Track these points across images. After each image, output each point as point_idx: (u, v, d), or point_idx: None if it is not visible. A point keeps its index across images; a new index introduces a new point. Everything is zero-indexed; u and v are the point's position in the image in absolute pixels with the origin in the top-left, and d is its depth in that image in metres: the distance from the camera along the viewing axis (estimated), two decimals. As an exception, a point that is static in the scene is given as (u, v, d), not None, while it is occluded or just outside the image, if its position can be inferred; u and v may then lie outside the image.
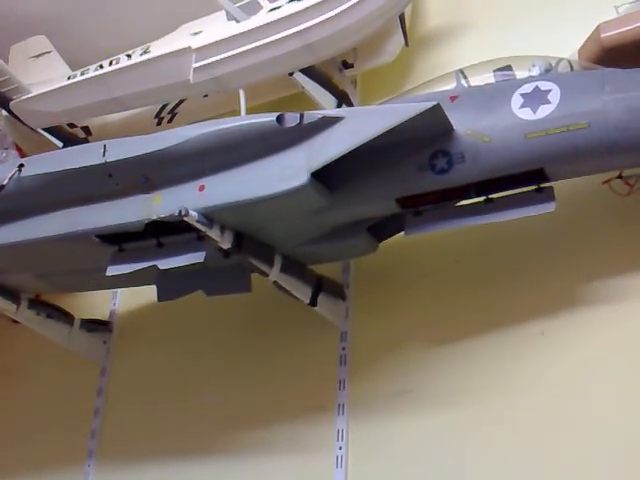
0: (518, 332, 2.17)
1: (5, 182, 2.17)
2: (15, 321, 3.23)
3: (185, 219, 1.97)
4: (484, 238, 2.29)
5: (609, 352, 2.01)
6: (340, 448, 2.34)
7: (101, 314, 3.15)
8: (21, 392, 3.27)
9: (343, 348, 2.47)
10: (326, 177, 1.97)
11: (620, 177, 2.01)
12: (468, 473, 2.16)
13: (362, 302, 2.51)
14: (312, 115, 1.92)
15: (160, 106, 2.69)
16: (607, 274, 2.05)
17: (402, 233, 2.35)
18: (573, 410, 2.03)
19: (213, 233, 2.04)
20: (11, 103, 2.64)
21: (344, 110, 2.00)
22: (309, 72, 2.45)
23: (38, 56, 3.03)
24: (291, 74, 2.46)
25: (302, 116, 1.92)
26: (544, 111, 1.85)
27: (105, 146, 2.08)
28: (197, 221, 1.98)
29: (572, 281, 2.11)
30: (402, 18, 2.45)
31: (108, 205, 2.14)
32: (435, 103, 1.85)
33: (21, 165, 2.19)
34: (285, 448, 2.47)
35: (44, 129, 2.71)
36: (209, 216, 2.01)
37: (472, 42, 2.61)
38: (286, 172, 1.92)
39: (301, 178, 1.89)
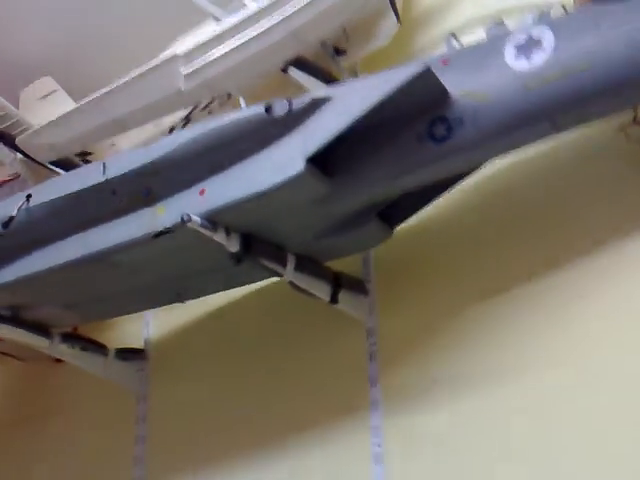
0: (552, 299, 2.07)
1: (14, 213, 2.18)
2: (58, 360, 3.32)
3: (189, 225, 1.95)
4: (497, 210, 2.23)
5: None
6: (378, 445, 2.28)
7: (136, 343, 3.15)
8: (65, 427, 3.28)
9: (372, 344, 2.40)
10: (324, 163, 1.92)
11: (635, 121, 1.91)
12: (513, 455, 2.05)
13: (385, 296, 2.44)
14: (301, 100, 1.88)
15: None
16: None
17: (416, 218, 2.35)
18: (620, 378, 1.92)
19: (219, 237, 2.01)
20: (17, 139, 2.67)
21: (332, 89, 1.94)
22: (303, 66, 2.42)
23: (45, 96, 3.08)
24: (285, 70, 2.43)
25: (291, 102, 1.88)
26: (540, 58, 1.77)
27: (104, 164, 2.08)
28: (200, 225, 1.96)
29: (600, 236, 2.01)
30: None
31: (116, 223, 2.13)
32: (424, 66, 1.79)
33: (29, 195, 2.21)
34: (322, 448, 2.42)
35: (56, 165, 2.73)
36: (212, 219, 1.98)
37: (470, 8, 2.48)
38: (282, 162, 1.88)
39: (297, 166, 1.85)
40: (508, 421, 2.07)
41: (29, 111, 3.04)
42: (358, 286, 2.40)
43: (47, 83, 3.17)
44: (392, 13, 2.40)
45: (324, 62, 2.51)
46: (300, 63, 2.45)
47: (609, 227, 2.00)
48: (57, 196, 2.16)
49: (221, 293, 2.79)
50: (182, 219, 1.93)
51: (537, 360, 2.07)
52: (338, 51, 2.49)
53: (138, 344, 3.14)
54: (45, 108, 3.01)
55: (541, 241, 2.14)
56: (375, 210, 2.11)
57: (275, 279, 2.47)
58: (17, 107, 3.13)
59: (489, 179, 2.25)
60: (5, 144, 2.77)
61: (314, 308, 2.46)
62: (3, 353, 3.36)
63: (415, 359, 2.31)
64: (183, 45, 2.34)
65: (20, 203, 2.19)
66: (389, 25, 2.49)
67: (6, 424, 3.53)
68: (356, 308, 2.39)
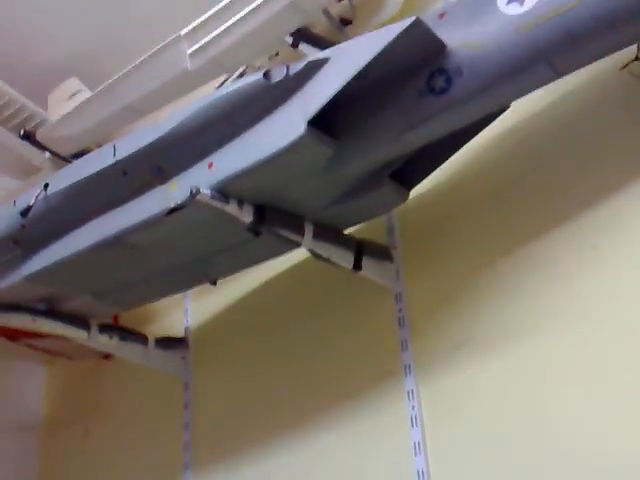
0: (569, 249, 2.01)
1: (32, 202, 2.23)
2: (106, 357, 3.40)
3: (198, 198, 1.96)
4: (518, 165, 2.19)
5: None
6: (413, 408, 2.25)
7: (176, 333, 3.19)
8: (116, 422, 3.36)
9: (400, 310, 2.38)
10: (328, 126, 1.91)
11: (638, 59, 1.85)
12: (548, 412, 2.00)
13: (411, 261, 2.41)
14: (298, 64, 1.87)
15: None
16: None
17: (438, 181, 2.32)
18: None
19: (231, 208, 2.01)
20: (37, 134, 2.74)
21: (329, 51, 1.92)
22: (312, 40, 2.42)
23: (71, 96, 3.15)
24: (296, 46, 2.44)
25: (288, 67, 1.87)
26: (531, 2, 1.73)
27: (114, 146, 2.11)
28: (210, 198, 1.97)
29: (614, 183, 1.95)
30: (393, -37, 2.37)
31: (132, 204, 2.15)
32: (414, 18, 1.77)
33: (46, 185, 2.26)
34: (358, 417, 2.40)
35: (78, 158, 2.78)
36: (222, 191, 1.98)
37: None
38: (284, 127, 1.87)
39: (299, 129, 1.84)
40: (546, 371, 2.02)
41: (57, 112, 3.11)
42: (383, 252, 2.37)
43: (73, 84, 3.24)
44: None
45: (334, 36, 2.50)
46: (309, 37, 2.46)
47: (623, 171, 1.94)
48: (72, 182, 2.19)
49: (253, 276, 2.84)
50: (191, 192, 1.94)
51: (568, 312, 2.01)
52: (344, 22, 2.48)
53: (180, 333, 3.19)
54: (71, 107, 3.09)
55: (561, 193, 2.08)
56: (387, 171, 2.08)
57: (304, 256, 2.49)
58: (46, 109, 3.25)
59: (504, 134, 2.22)
60: (32, 144, 2.84)
61: (343, 280, 2.46)
62: (51, 352, 3.46)
63: (444, 322, 2.27)
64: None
65: (38, 192, 2.24)
66: (397, -6, 2.47)
67: (58, 424, 3.63)
68: (382, 275, 2.37)
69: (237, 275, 2.72)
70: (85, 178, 2.17)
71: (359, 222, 2.32)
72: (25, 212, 2.24)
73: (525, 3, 1.73)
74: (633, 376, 1.83)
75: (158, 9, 3.30)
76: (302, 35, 2.45)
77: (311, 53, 2.41)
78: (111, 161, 2.10)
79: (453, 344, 2.22)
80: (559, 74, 1.82)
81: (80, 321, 2.76)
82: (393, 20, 2.48)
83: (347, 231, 2.36)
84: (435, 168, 2.21)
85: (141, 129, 2.13)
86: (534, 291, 2.09)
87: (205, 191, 1.96)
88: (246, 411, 2.84)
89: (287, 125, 1.87)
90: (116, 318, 3.23)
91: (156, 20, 3.25)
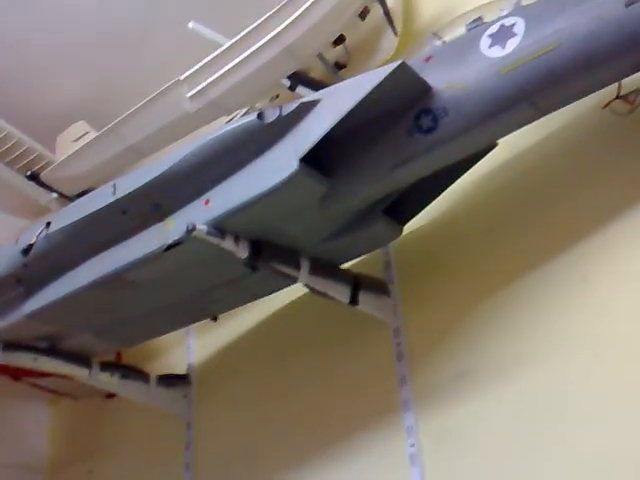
0: (559, 281, 2.04)
1: (33, 240, 2.29)
2: (109, 396, 3.42)
3: (195, 234, 2.01)
4: (498, 195, 2.24)
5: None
6: (412, 445, 2.25)
7: (179, 370, 3.21)
8: (118, 460, 3.37)
9: (398, 344, 2.40)
10: (321, 164, 1.96)
11: (619, 97, 1.91)
12: (546, 442, 1.99)
13: (409, 295, 2.44)
14: (290, 105, 1.94)
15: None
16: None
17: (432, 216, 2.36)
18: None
19: (227, 244, 2.06)
20: (42, 174, 2.81)
21: (320, 92, 1.99)
22: (309, 83, 2.49)
23: (78, 139, 3.23)
24: (293, 89, 2.51)
25: (281, 108, 1.94)
26: (512, 44, 1.80)
27: (114, 185, 2.17)
28: (207, 234, 2.02)
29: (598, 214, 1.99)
30: (386, 10, 2.45)
31: (130, 241, 2.21)
32: (400, 62, 1.84)
33: (48, 223, 2.32)
34: (358, 454, 2.40)
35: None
36: (218, 227, 2.03)
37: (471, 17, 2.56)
38: (277, 165, 1.93)
39: (292, 166, 1.90)
40: (543, 401, 2.02)
41: (64, 154, 3.19)
42: (380, 287, 2.41)
43: (81, 127, 3.33)
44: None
45: (330, 79, 2.58)
46: (306, 80, 2.53)
47: (608, 205, 1.99)
48: (72, 221, 2.25)
49: (254, 311, 2.88)
50: (187, 229, 1.99)
51: (559, 343, 2.02)
52: (339, 66, 2.56)
53: (182, 370, 3.21)
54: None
55: (550, 227, 2.12)
56: (380, 207, 2.13)
57: (303, 291, 2.52)
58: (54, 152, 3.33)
59: (494, 170, 2.27)
60: (39, 184, 2.91)
61: (342, 314, 2.48)
62: (55, 392, 3.49)
63: (442, 355, 2.29)
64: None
65: (39, 231, 2.30)
66: (389, 39, 2.55)
67: (62, 465, 3.65)
68: (379, 309, 2.39)
69: (238, 311, 2.77)
70: (86, 216, 2.23)
71: (354, 257, 2.36)
72: (26, 251, 2.30)
73: (507, 46, 1.80)
74: (631, 403, 1.83)
75: (165, 54, 3.40)
76: (299, 78, 2.52)
77: (308, 95, 2.48)
78: (111, 200, 2.16)
79: (452, 378, 2.23)
80: (541, 113, 1.88)
81: (81, 359, 2.79)
82: (386, 63, 2.56)
83: (345, 266, 2.40)
84: (427, 204, 2.26)
85: (140, 168, 2.19)
86: (530, 322, 2.11)
87: (201, 227, 2.01)
88: (246, 450, 2.84)
89: (280, 163, 1.93)
90: (119, 356, 3.26)
91: (161, 65, 3.35)
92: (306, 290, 2.36)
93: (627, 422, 1.82)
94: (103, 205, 2.18)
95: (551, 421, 1.98)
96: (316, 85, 2.52)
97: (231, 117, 2.76)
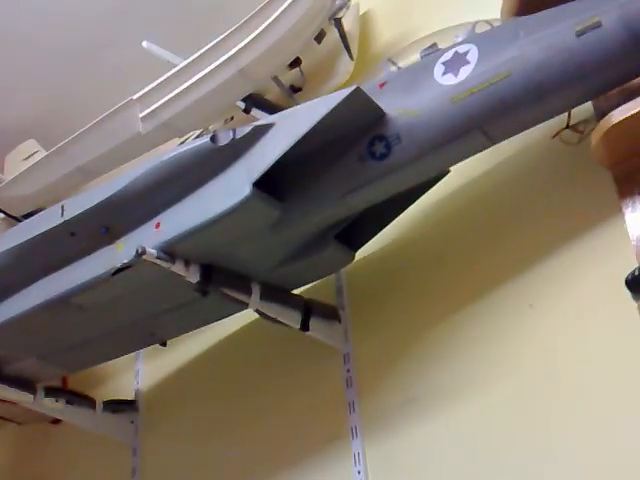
0: (506, 309, 2.07)
1: (-23, 262, 2.23)
2: (55, 422, 3.33)
3: (144, 258, 1.98)
4: (455, 226, 2.27)
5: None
6: (359, 472, 2.23)
7: (127, 395, 3.15)
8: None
9: (348, 370, 2.38)
10: (275, 188, 1.96)
11: (568, 126, 1.94)
12: (497, 468, 2.00)
13: (360, 322, 2.43)
14: (244, 128, 1.93)
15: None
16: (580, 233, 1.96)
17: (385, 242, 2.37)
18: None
19: (177, 268, 2.03)
20: (-11, 194, 2.75)
21: (274, 116, 1.99)
22: (264, 105, 2.49)
23: (27, 158, 3.17)
24: (248, 111, 2.50)
25: (235, 131, 1.93)
26: (465, 72, 1.82)
27: (63, 206, 2.13)
28: (157, 257, 1.99)
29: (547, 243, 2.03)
30: (342, 34, 2.47)
31: (78, 264, 2.16)
32: (354, 87, 1.85)
33: (-7, 246, 2.26)
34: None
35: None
36: (169, 251, 2.00)
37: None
38: (230, 188, 1.92)
39: (244, 190, 1.89)
40: (488, 428, 2.03)
41: (13, 173, 3.12)
42: (331, 313, 2.39)
43: (30, 145, 3.28)
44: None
45: (285, 102, 2.58)
46: (261, 103, 2.53)
47: (557, 233, 2.02)
48: (18, 242, 2.20)
49: (204, 337, 2.84)
50: (137, 252, 1.96)
51: (507, 371, 2.04)
52: (295, 89, 2.57)
53: (130, 396, 3.15)
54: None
55: (499, 254, 2.15)
56: (332, 233, 2.12)
57: (254, 316, 2.49)
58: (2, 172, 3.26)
59: (445, 198, 2.29)
60: (-17, 204, 2.84)
61: (292, 340, 2.46)
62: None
63: (391, 382, 2.28)
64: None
65: None
66: (345, 63, 2.57)
67: (4, 491, 3.54)
68: (330, 335, 2.38)
69: (188, 336, 2.72)
70: (32, 238, 2.18)
71: (306, 283, 2.35)
72: (-29, 274, 2.24)
73: (459, 74, 1.82)
74: (577, 432, 1.85)
75: (119, 73, 3.37)
76: (254, 101, 2.51)
77: (263, 118, 2.48)
78: (59, 221, 2.12)
79: (401, 404, 2.22)
80: (493, 141, 1.90)
81: (26, 384, 2.70)
82: (342, 87, 2.57)
83: (297, 291, 2.38)
84: (379, 230, 2.26)
85: (89, 190, 2.15)
86: (481, 348, 2.11)
87: (151, 251, 1.98)
88: (194, 477, 2.79)
89: (233, 187, 1.92)
90: (65, 381, 3.19)
91: (114, 83, 3.32)
92: (257, 316, 2.34)
93: (579, 447, 1.83)
94: (51, 227, 2.14)
95: (502, 446, 1.98)
96: (271, 108, 2.52)
97: (184, 139, 2.75)
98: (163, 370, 3.08)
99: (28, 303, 2.25)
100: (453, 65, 1.84)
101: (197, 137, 2.78)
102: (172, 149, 2.00)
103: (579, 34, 1.70)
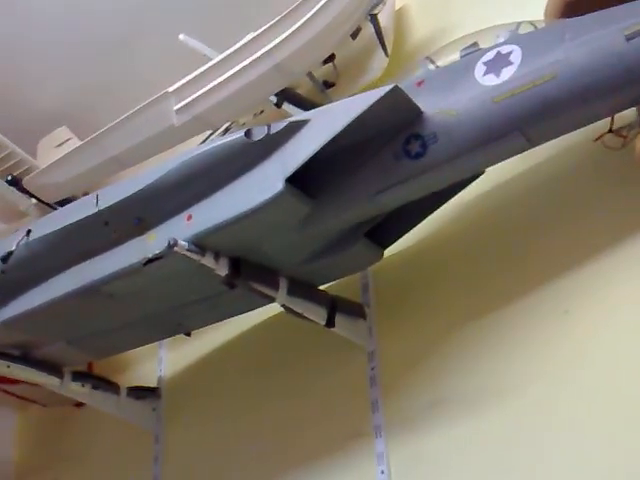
0: (541, 314, 2.04)
1: (13, 248, 2.25)
2: (78, 405, 3.37)
3: (176, 249, 1.99)
4: (488, 228, 2.24)
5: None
6: (382, 472, 2.24)
7: (150, 382, 3.18)
8: (85, 470, 3.32)
9: (372, 368, 2.38)
10: (307, 184, 1.95)
11: (611, 131, 1.90)
12: (521, 476, 2.00)
13: (385, 319, 2.43)
14: (279, 124, 1.93)
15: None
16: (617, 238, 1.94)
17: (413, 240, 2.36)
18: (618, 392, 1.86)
19: (207, 260, 2.04)
20: (24, 181, 2.77)
21: (310, 112, 1.99)
22: (296, 100, 2.48)
23: (61, 144, 3.19)
24: (280, 105, 2.50)
25: (269, 127, 1.93)
26: (507, 73, 1.79)
27: (97, 196, 2.15)
28: (187, 250, 2.00)
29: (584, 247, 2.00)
30: (378, 30, 2.45)
31: (110, 253, 2.18)
32: (393, 85, 1.83)
33: (29, 231, 2.28)
34: (328, 476, 2.39)
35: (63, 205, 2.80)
36: (199, 244, 2.01)
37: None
38: (263, 184, 1.92)
39: (277, 186, 1.89)
40: (514, 433, 2.02)
41: (46, 160, 3.15)
42: (356, 310, 2.39)
43: (63, 132, 3.30)
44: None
45: (317, 97, 2.57)
46: (292, 97, 2.52)
47: (594, 239, 1.99)
48: (54, 230, 2.22)
49: (228, 328, 2.85)
50: (169, 244, 1.97)
51: (538, 376, 2.02)
52: (328, 84, 2.56)
53: (153, 383, 3.17)
54: (59, 155, 3.13)
55: (533, 258, 2.12)
56: (362, 230, 2.11)
57: (278, 309, 2.50)
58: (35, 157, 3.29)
59: (479, 199, 2.27)
60: (19, 189, 2.87)
61: (316, 335, 2.46)
62: (24, 398, 3.43)
63: (417, 382, 2.27)
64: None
65: (19, 238, 2.26)
66: (379, 59, 2.54)
67: (28, 472, 3.59)
68: (355, 332, 2.38)
69: (212, 326, 2.73)
70: (67, 226, 2.20)
71: (334, 279, 2.35)
72: (5, 258, 2.27)
73: (501, 75, 1.80)
74: (608, 439, 1.84)
75: (151, 63, 3.38)
76: (286, 95, 2.51)
77: (294, 113, 2.48)
78: (93, 211, 2.14)
79: (426, 405, 2.21)
80: (532, 144, 1.87)
81: (53, 368, 2.75)
82: (375, 83, 2.56)
83: (322, 287, 2.37)
84: (410, 229, 2.25)
85: (124, 181, 2.17)
86: (508, 353, 2.10)
87: (182, 243, 1.99)
88: (215, 467, 2.81)
89: (266, 182, 1.92)
90: (90, 366, 3.23)
91: (147, 74, 3.34)
92: (280, 309, 2.34)
93: (607, 458, 1.82)
94: (85, 216, 2.15)
95: (528, 455, 1.97)
96: (303, 103, 2.51)
97: (211, 132, 2.75)
98: (186, 358, 3.10)
99: (60, 289, 2.27)
100: (495, 65, 1.81)
101: (226, 129, 2.80)
102: (207, 143, 2.01)
103: (629, 38, 1.66)
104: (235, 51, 2.25)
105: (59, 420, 3.53)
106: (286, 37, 2.15)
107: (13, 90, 3.47)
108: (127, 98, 3.09)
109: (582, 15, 1.79)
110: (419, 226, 2.27)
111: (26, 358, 2.66)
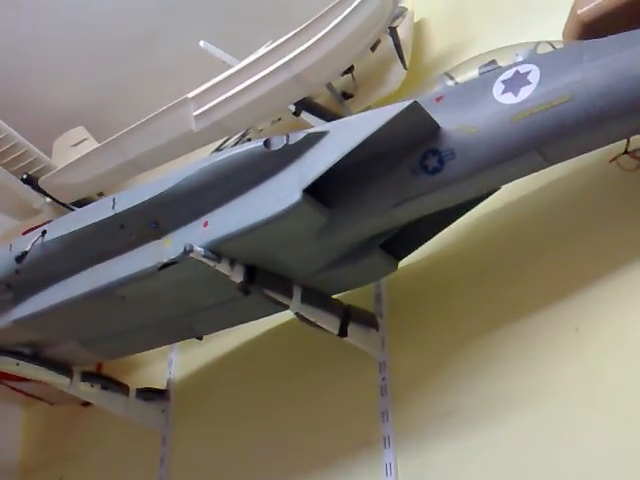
0: (551, 330, 2.05)
1: (28, 248, 2.27)
2: (85, 404, 3.38)
3: (191, 255, 2.00)
4: (502, 244, 2.26)
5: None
6: (390, 482, 2.25)
7: (159, 384, 3.19)
8: (90, 470, 3.33)
9: (383, 378, 2.39)
10: (324, 195, 1.97)
11: (627, 152, 1.92)
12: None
13: (397, 330, 2.44)
14: (298, 134, 1.94)
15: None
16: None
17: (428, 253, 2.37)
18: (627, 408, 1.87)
19: (222, 267, 2.06)
20: (40, 181, 2.79)
21: (329, 124, 2.01)
22: (314, 110, 2.50)
23: (77, 144, 3.21)
24: (298, 114, 2.51)
25: (288, 137, 1.94)
26: (525, 92, 1.81)
27: (114, 199, 2.17)
28: (203, 256, 2.01)
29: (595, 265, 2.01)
30: (397, 43, 2.47)
31: (126, 256, 2.20)
32: (412, 101, 1.84)
33: (44, 231, 2.30)
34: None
35: (80, 206, 2.82)
36: (215, 250, 2.03)
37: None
38: (280, 193, 1.94)
39: (294, 196, 1.90)
40: (524, 446, 2.02)
41: (61, 159, 3.17)
42: (369, 320, 2.40)
43: (79, 132, 3.32)
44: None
45: (335, 107, 2.59)
46: (311, 107, 2.54)
47: (605, 258, 2.00)
48: (69, 231, 2.24)
49: (239, 333, 2.86)
50: (185, 249, 1.98)
51: (547, 391, 2.03)
52: (346, 95, 2.57)
53: (161, 385, 3.18)
54: (75, 155, 3.14)
55: (545, 275, 2.13)
56: (377, 242, 2.13)
57: (291, 317, 2.51)
58: (50, 156, 3.30)
59: (493, 215, 2.28)
60: (34, 188, 2.89)
61: (328, 344, 2.47)
62: (32, 396, 3.45)
63: (427, 393, 2.28)
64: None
65: (35, 239, 2.28)
66: (397, 71, 2.56)
67: (34, 470, 3.60)
68: (367, 342, 2.39)
69: (224, 331, 2.73)
70: (83, 228, 2.22)
71: (347, 289, 2.36)
72: (20, 258, 2.29)
73: (520, 94, 1.81)
74: (619, 457, 1.84)
75: (168, 66, 3.39)
76: (304, 104, 2.53)
77: (312, 122, 2.50)
78: (110, 214, 2.15)
79: (436, 417, 2.22)
80: (549, 162, 1.89)
81: (63, 367, 2.76)
82: (393, 96, 2.58)
83: (335, 296, 2.38)
84: (425, 242, 2.26)
85: (142, 185, 2.18)
86: (519, 368, 2.11)
87: (198, 249, 2.00)
88: (221, 470, 2.82)
89: (283, 191, 1.93)
90: (100, 366, 3.24)
91: (164, 76, 3.35)
92: (292, 316, 2.35)
93: (618, 474, 1.82)
94: (102, 218, 2.17)
95: (537, 470, 1.97)
96: (321, 112, 2.53)
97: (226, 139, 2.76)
98: (196, 362, 3.12)
99: (75, 290, 2.29)
100: (513, 84, 1.83)
101: (242, 136, 2.81)
102: (225, 150, 2.02)
103: None
104: (256, 60, 2.26)
105: (65, 418, 3.54)
106: (306, 48, 2.16)
107: (30, 89, 3.49)
108: (143, 100, 3.12)
109: (600, 37, 1.82)
110: (434, 239, 2.28)
111: (36, 357, 2.68)
